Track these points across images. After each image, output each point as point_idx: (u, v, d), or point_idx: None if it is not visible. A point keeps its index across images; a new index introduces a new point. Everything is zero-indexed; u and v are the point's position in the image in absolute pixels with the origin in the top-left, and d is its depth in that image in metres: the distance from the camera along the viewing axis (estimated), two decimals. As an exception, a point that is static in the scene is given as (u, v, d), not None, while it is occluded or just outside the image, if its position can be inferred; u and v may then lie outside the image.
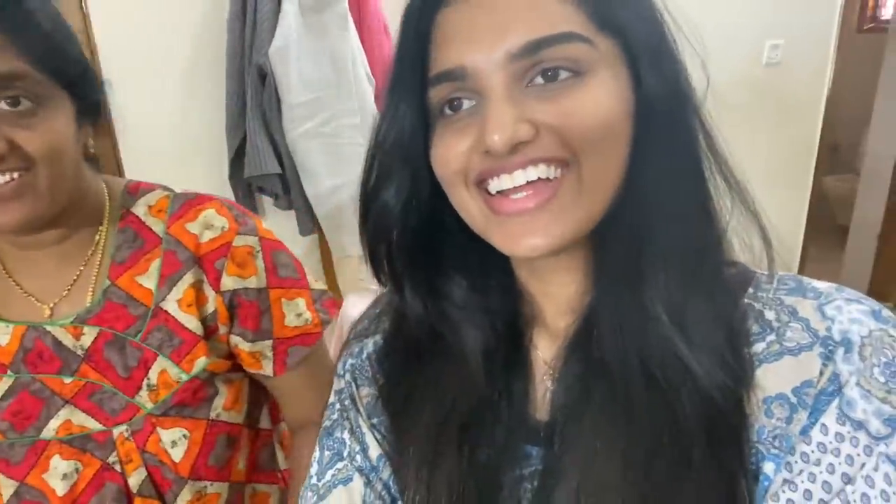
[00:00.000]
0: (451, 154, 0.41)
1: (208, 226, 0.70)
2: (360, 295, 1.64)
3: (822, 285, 0.42)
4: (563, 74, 0.39)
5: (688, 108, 0.41)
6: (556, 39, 0.38)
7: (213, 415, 0.72)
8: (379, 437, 0.51)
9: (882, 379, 0.36)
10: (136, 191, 0.73)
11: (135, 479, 0.69)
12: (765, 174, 2.58)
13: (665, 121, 0.40)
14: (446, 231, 0.47)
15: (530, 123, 0.38)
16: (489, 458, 0.45)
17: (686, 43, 0.42)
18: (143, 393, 0.69)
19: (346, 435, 0.52)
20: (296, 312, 0.74)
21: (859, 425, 0.36)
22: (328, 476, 0.51)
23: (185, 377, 0.69)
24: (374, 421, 0.52)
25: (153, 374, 0.69)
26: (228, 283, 0.70)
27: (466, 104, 0.41)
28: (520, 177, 0.39)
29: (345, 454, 0.51)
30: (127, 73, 1.72)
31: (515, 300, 0.49)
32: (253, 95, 1.72)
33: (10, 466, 0.69)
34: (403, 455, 0.48)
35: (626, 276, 0.41)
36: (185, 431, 0.70)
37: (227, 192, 1.84)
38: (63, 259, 0.68)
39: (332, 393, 0.55)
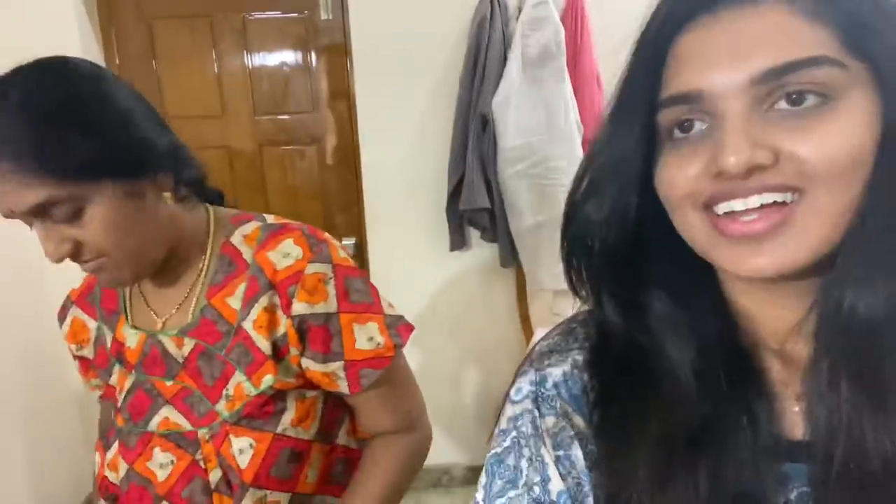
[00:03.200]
0: (680, 178, 0.41)
1: (285, 254, 0.76)
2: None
3: None
4: (811, 99, 0.37)
5: None
6: (805, 63, 0.36)
7: (279, 429, 0.77)
8: (563, 470, 0.47)
9: None
10: (237, 222, 0.82)
11: (213, 477, 0.77)
12: None
13: None
14: (650, 246, 0.46)
15: (769, 149, 0.37)
16: (739, 478, 0.42)
17: None
18: (222, 402, 0.76)
19: (523, 463, 0.49)
20: (368, 336, 0.78)
21: None
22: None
23: (254, 391, 0.76)
24: (560, 454, 0.48)
25: (231, 386, 0.76)
26: (298, 308, 0.75)
27: (698, 126, 0.40)
28: (754, 201, 0.38)
29: (520, 484, 0.48)
30: (377, 126, 2.09)
31: (727, 318, 0.47)
32: (474, 139, 1.96)
33: (126, 450, 0.80)
34: (623, 478, 0.45)
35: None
36: (252, 441, 0.75)
37: (443, 222, 2.09)
38: (177, 281, 0.80)
39: (505, 419, 0.52)
